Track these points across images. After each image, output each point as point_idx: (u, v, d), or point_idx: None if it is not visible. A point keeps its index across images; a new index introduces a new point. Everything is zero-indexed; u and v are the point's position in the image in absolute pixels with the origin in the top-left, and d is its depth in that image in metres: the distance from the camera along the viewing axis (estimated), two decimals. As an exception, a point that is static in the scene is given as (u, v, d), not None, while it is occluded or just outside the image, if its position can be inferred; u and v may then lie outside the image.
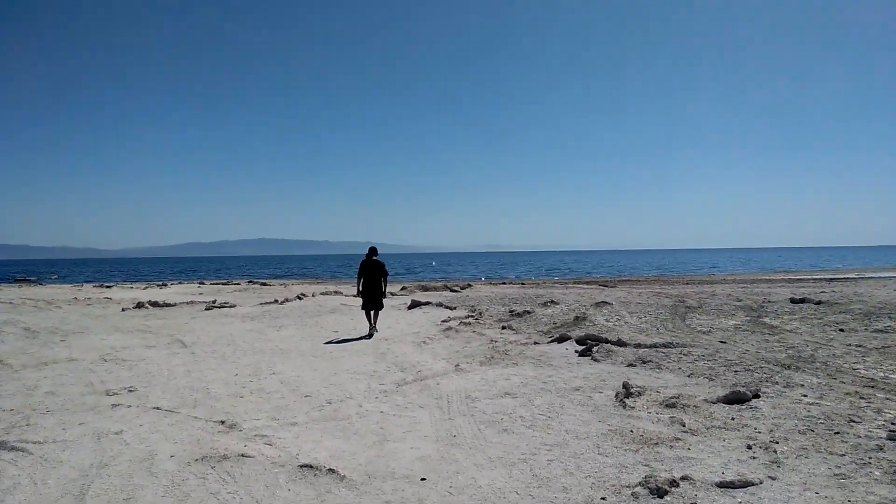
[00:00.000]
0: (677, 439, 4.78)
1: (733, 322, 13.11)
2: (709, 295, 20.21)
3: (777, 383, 6.82)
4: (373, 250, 12.15)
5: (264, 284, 31.46)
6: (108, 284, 32.82)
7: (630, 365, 7.97)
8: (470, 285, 26.82)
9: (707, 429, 5.09)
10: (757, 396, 6.24)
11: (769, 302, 17.20)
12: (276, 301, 17.66)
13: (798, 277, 32.97)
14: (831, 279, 30.33)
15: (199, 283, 33.07)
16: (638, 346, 9.49)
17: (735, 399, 6.06)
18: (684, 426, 5.12)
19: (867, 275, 34.55)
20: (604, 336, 10.13)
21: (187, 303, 17.98)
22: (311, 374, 7.75)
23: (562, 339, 10.06)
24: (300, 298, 18.51)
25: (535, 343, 10.10)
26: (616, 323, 13.09)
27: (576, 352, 9.10)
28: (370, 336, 11.32)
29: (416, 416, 5.71)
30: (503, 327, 12.03)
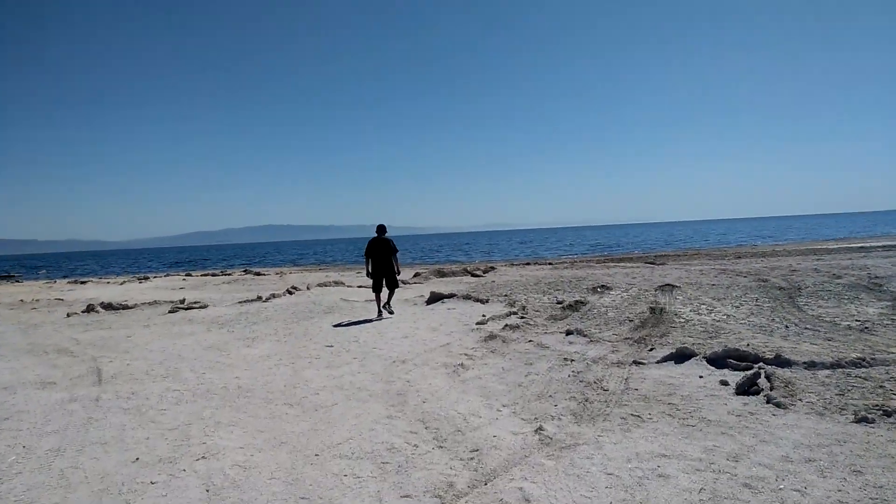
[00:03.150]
0: None
1: (874, 309, 9.56)
2: (788, 271, 16.48)
3: None
4: (381, 228, 11.25)
5: (258, 274, 27.84)
6: (83, 280, 29.27)
7: (862, 420, 4.30)
8: (493, 268, 23.09)
9: None
10: None
11: (879, 277, 13.54)
12: (258, 298, 14.02)
13: (854, 246, 29.10)
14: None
15: (186, 275, 29.51)
16: (811, 365, 5.85)
17: None
18: None
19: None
20: (741, 349, 6.48)
21: (150, 303, 14.39)
22: (271, 459, 4.12)
23: (682, 357, 6.40)
24: (290, 293, 14.87)
25: (636, 363, 6.45)
26: (714, 316, 9.50)
27: (722, 382, 5.45)
28: (379, 318, 10.65)
29: None
30: (567, 332, 8.39)
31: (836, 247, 30.05)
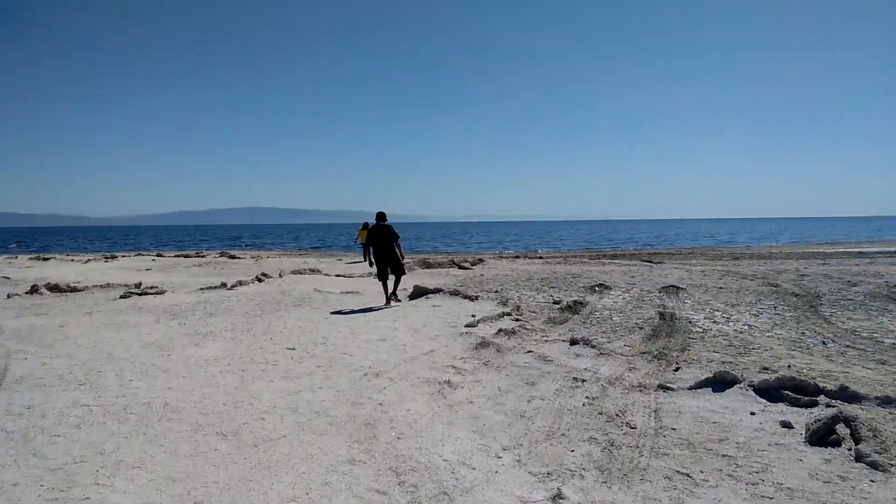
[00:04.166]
0: None
1: (912, 324, 8.44)
2: (796, 275, 15.38)
3: None
4: (381, 216, 10.92)
5: (233, 257, 26.34)
6: (46, 256, 27.56)
7: None
8: (481, 260, 21.83)
9: None
10: None
11: (902, 285, 12.46)
12: (223, 285, 12.63)
13: (853, 251, 28.21)
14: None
15: (156, 255, 27.93)
16: (887, 401, 4.67)
17: None
18: None
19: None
20: (797, 377, 5.28)
21: (103, 286, 12.95)
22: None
23: (721, 383, 5.18)
24: (259, 280, 13.50)
25: (662, 387, 5.24)
26: (734, 326, 8.36)
27: (783, 424, 4.25)
28: (387, 305, 10.48)
29: None
30: (572, 341, 7.16)
31: (832, 251, 29.14)
